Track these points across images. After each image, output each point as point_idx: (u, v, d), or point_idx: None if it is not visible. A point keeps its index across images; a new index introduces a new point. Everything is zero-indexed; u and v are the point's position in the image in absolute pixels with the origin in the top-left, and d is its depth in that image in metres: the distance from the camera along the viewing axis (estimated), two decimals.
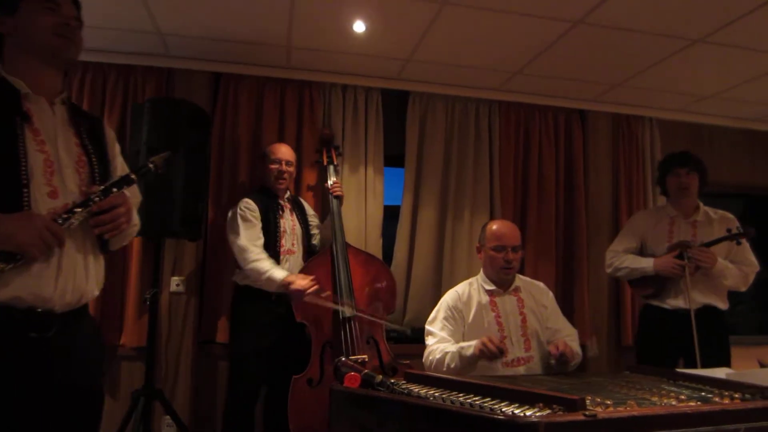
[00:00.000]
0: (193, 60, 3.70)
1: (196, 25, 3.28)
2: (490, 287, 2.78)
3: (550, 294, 2.93)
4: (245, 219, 3.19)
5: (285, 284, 3.04)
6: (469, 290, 2.81)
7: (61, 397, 1.65)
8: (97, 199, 1.65)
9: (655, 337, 3.29)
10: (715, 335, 3.16)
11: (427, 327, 2.78)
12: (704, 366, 2.81)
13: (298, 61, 3.75)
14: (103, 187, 1.69)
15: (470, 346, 2.50)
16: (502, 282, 2.78)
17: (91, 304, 3.38)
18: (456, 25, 3.19)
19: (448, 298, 2.81)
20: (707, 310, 3.17)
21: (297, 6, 3.05)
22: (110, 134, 1.91)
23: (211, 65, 3.75)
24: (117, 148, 1.93)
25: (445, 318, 2.74)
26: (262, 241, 3.18)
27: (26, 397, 1.57)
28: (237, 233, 3.16)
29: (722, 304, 3.25)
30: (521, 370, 2.62)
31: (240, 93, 3.79)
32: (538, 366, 2.70)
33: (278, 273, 3.07)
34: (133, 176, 1.74)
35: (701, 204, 3.39)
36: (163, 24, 3.25)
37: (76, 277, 1.67)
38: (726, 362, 3.05)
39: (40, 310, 1.58)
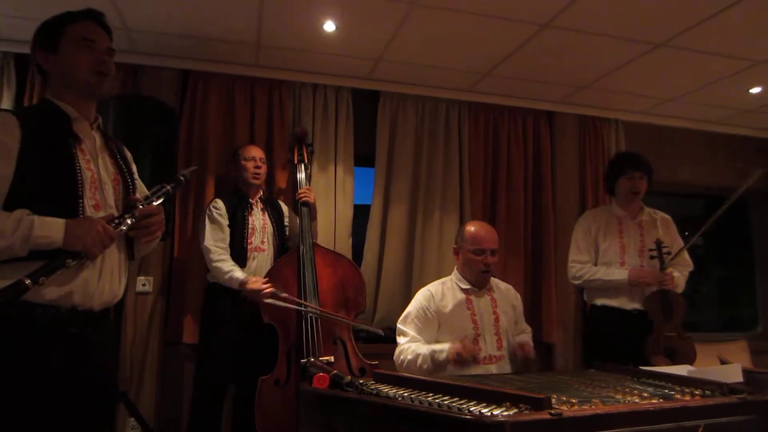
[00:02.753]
0: (161, 56, 3.63)
1: (163, 20, 3.23)
2: (466, 286, 2.81)
3: (519, 296, 3.03)
4: (212, 220, 3.26)
5: (243, 284, 3.10)
6: (442, 289, 2.83)
7: (93, 388, 1.80)
8: (140, 206, 1.85)
9: (611, 337, 3.28)
10: None
11: (399, 326, 2.80)
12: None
13: (268, 60, 3.72)
14: (145, 196, 1.92)
15: (443, 350, 2.54)
16: (478, 282, 2.82)
17: None
18: (426, 26, 3.20)
19: (421, 297, 2.82)
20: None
21: (266, 4, 3.02)
22: (129, 156, 2.09)
23: (179, 62, 3.69)
24: (134, 167, 2.09)
25: (417, 317, 2.75)
26: (227, 240, 3.25)
27: (66, 388, 1.70)
28: (203, 236, 3.25)
29: None
30: (493, 368, 2.67)
31: (209, 91, 3.74)
32: (508, 364, 2.75)
33: (238, 273, 3.14)
34: (168, 187, 1.96)
35: (643, 205, 3.47)
36: (129, 19, 3.19)
37: (112, 280, 1.84)
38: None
39: (80, 309, 1.73)
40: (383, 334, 3.18)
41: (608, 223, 3.41)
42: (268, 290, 3.03)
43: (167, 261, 3.61)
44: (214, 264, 3.18)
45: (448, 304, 2.76)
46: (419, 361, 2.58)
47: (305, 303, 3.10)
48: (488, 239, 2.79)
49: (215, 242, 3.22)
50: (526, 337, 2.89)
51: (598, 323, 3.44)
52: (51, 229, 1.64)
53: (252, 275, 3.23)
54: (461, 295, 2.79)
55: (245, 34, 3.36)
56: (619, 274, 3.25)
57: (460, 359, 2.49)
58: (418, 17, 3.10)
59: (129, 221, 1.80)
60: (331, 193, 3.89)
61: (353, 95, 4.00)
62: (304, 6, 3.05)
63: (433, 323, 2.74)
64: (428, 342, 2.71)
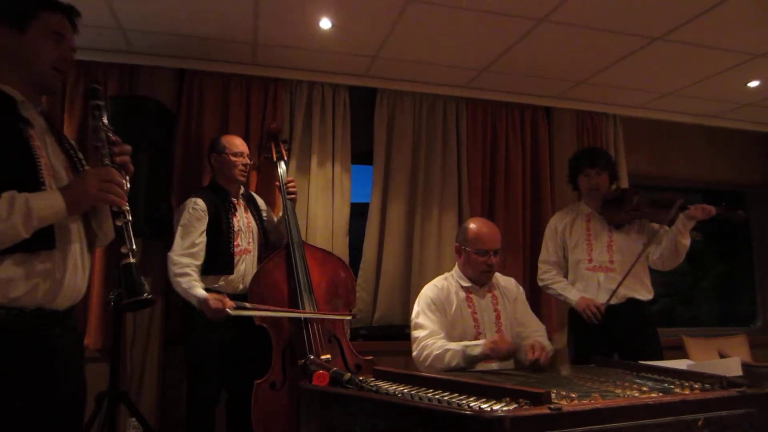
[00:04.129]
0: (157, 56, 3.62)
1: (159, 20, 3.22)
2: (467, 284, 2.78)
3: (521, 289, 2.97)
4: (185, 224, 3.05)
5: (203, 303, 2.90)
6: (447, 285, 2.80)
7: (63, 389, 1.73)
8: (105, 134, 1.79)
9: (587, 334, 3.25)
10: (642, 327, 3.20)
11: (415, 320, 2.71)
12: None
13: (265, 58, 3.72)
14: (93, 130, 1.81)
15: (477, 345, 2.49)
16: (479, 281, 2.80)
17: None
18: (422, 22, 3.20)
19: (429, 292, 2.78)
20: (631, 303, 3.19)
21: (261, 2, 3.01)
22: (75, 144, 1.97)
23: (175, 61, 3.68)
24: (81, 155, 1.97)
25: (431, 311, 2.70)
26: (198, 248, 3.03)
27: (36, 391, 1.64)
28: (172, 242, 3.05)
29: (646, 295, 3.25)
30: (494, 366, 2.65)
31: (205, 90, 3.73)
32: (511, 362, 2.73)
33: (198, 291, 2.93)
34: (97, 103, 1.83)
35: None
36: (125, 19, 3.19)
37: (77, 277, 1.74)
38: (658, 354, 3.07)
39: (47, 308, 1.65)
40: (358, 317, 3.47)
41: (575, 220, 3.40)
42: (230, 305, 2.89)
43: (165, 260, 3.59)
44: (176, 278, 2.98)
45: (453, 301, 2.74)
46: (448, 357, 2.49)
47: (276, 309, 3.03)
48: (491, 239, 2.75)
49: (181, 252, 3.01)
50: (539, 338, 2.75)
51: (576, 321, 3.34)
52: (48, 198, 1.59)
53: (240, 279, 3.16)
54: (462, 294, 2.77)
55: (241, 32, 3.36)
56: (573, 295, 3.26)
57: (496, 349, 2.44)
58: (414, 13, 3.10)
59: (107, 161, 1.74)
60: (328, 191, 3.88)
61: (350, 93, 4.00)
62: (300, 3, 3.04)
63: (443, 316, 2.70)
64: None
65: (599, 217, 3.35)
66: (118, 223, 1.66)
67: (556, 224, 3.48)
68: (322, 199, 3.84)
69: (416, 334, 2.67)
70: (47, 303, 1.65)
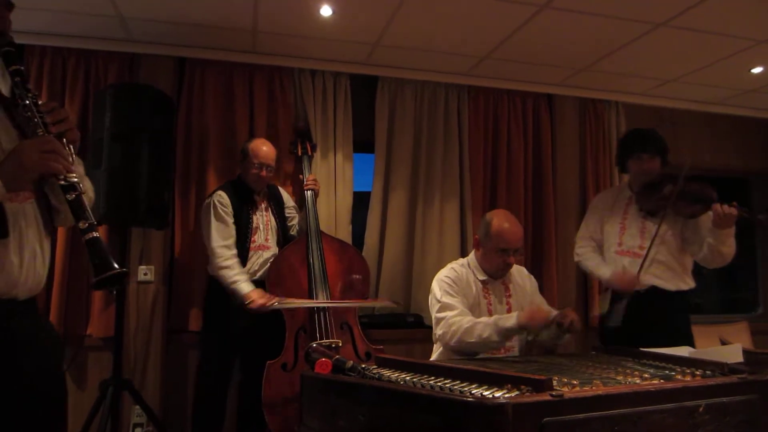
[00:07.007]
0: (157, 44, 3.61)
1: (158, 8, 3.19)
2: (483, 277, 2.74)
3: (533, 279, 2.95)
4: (217, 216, 3.17)
5: (245, 299, 3.05)
6: (465, 272, 2.76)
7: (27, 384, 1.61)
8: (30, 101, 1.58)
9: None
10: (661, 318, 3.05)
11: (442, 301, 2.65)
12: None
13: (265, 46, 3.70)
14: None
15: (510, 317, 2.46)
16: (495, 275, 2.78)
17: (56, 293, 3.36)
18: (423, 8, 3.18)
19: (450, 274, 2.73)
20: (654, 292, 3.09)
21: None
22: None
23: (176, 50, 3.67)
24: None
25: (455, 291, 2.66)
26: (233, 239, 3.19)
27: None
28: (209, 233, 3.16)
29: (678, 285, 3.12)
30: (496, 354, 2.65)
31: (206, 78, 3.72)
32: (518, 354, 2.72)
33: (243, 285, 3.09)
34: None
35: None
36: (124, 7, 3.17)
37: (36, 263, 1.63)
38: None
39: (4, 298, 1.55)
40: (398, 303, 3.57)
41: (616, 202, 3.32)
42: (272, 302, 3.04)
43: (168, 250, 3.61)
44: (220, 271, 3.11)
45: (472, 289, 2.71)
46: (478, 329, 2.45)
47: (309, 301, 3.17)
48: (514, 239, 2.70)
49: (223, 242, 3.15)
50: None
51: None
52: None
53: (254, 272, 3.26)
54: (479, 285, 2.75)
55: (241, 20, 3.33)
56: (604, 272, 3.19)
57: (534, 319, 2.40)
58: (414, 0, 3.08)
59: (40, 131, 1.55)
60: (331, 179, 3.88)
61: (351, 81, 3.98)
62: None
63: (464, 298, 2.67)
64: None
65: None
66: (70, 198, 1.53)
67: (598, 202, 3.45)
68: (325, 187, 3.83)
69: (442, 314, 2.61)
70: (4, 293, 1.55)
